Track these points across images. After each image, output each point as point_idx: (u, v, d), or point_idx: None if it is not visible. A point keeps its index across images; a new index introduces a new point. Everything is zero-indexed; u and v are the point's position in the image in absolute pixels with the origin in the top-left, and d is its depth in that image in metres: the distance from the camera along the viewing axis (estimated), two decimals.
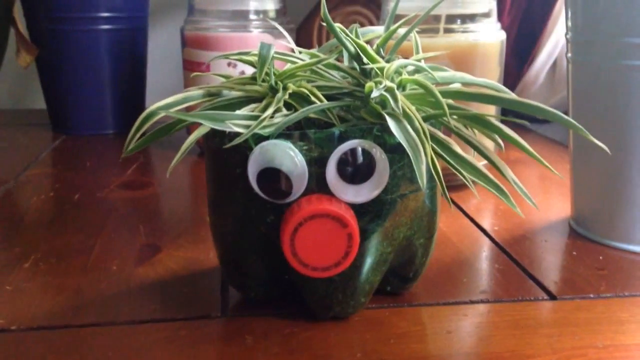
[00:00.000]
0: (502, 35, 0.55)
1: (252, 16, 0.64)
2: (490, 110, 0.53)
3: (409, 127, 0.28)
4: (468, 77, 0.34)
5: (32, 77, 0.87)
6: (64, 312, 0.34)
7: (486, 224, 0.47)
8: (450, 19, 0.53)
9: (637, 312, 0.34)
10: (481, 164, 0.31)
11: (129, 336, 0.32)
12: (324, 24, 0.31)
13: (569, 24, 0.43)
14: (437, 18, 0.53)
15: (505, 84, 0.44)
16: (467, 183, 0.30)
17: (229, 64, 0.60)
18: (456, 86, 0.33)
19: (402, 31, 0.34)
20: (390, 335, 0.32)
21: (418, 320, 0.33)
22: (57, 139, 0.75)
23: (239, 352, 0.30)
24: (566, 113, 0.45)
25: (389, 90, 0.29)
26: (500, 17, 0.60)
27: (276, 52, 0.33)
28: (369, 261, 0.32)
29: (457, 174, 0.30)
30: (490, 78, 0.54)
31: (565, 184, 0.49)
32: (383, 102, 0.30)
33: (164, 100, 0.32)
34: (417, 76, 0.32)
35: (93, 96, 0.76)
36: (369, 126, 0.30)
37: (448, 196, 0.29)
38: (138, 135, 0.32)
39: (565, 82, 0.70)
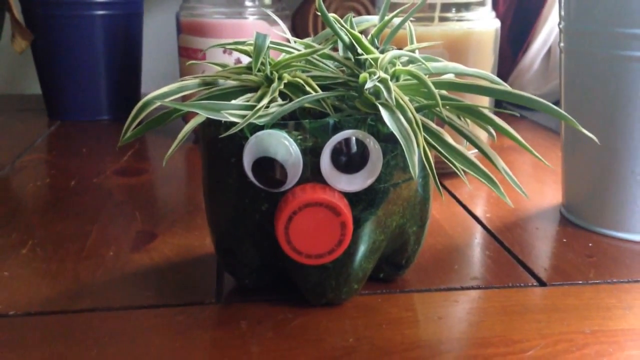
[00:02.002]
0: (497, 24, 0.55)
1: (247, 3, 0.64)
2: (484, 100, 0.53)
3: (401, 117, 0.29)
4: (461, 67, 0.34)
5: (28, 62, 0.87)
6: (60, 297, 0.34)
7: (478, 211, 0.48)
8: (445, 7, 0.53)
9: (625, 298, 0.35)
10: (472, 152, 0.32)
11: (124, 322, 0.32)
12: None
13: (562, 13, 0.43)
14: (432, 6, 0.53)
15: (499, 72, 0.44)
16: (458, 173, 0.30)
17: (224, 51, 0.60)
18: (449, 77, 0.34)
19: (397, 20, 0.34)
20: (382, 321, 0.32)
21: (410, 306, 0.34)
22: (52, 125, 0.75)
23: (234, 338, 0.31)
24: (559, 101, 0.45)
25: (382, 81, 0.29)
26: (495, 6, 0.60)
27: (271, 42, 0.33)
28: (362, 249, 0.32)
29: (449, 163, 0.31)
30: (485, 66, 0.54)
31: (558, 171, 0.49)
32: (377, 93, 0.30)
33: (160, 89, 0.33)
34: (410, 67, 0.32)
35: (88, 82, 0.76)
36: (363, 116, 0.30)
37: (439, 186, 0.30)
38: (134, 124, 0.32)
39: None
